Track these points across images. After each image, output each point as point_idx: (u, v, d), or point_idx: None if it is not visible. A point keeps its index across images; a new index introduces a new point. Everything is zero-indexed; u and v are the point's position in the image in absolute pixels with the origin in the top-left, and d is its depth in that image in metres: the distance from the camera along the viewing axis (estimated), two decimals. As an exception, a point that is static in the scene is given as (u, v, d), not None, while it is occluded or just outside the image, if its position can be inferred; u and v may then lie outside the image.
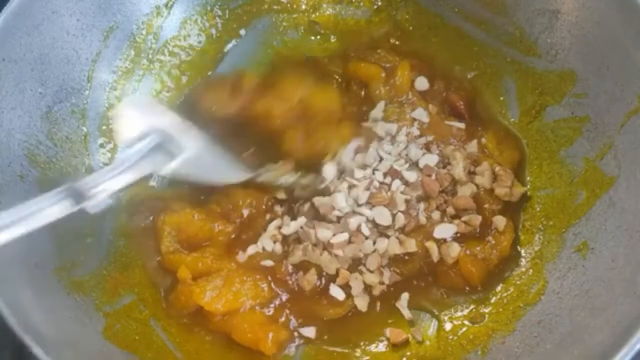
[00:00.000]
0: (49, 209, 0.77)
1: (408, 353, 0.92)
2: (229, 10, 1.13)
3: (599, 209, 0.91)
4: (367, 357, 0.93)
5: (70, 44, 0.96)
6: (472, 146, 1.04)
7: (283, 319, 0.93)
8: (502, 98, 1.07)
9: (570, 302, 0.87)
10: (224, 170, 0.99)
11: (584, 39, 0.96)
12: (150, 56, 1.09)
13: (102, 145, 1.03)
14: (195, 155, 0.94)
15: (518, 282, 0.96)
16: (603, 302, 0.82)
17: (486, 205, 0.99)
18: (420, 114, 1.05)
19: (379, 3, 1.15)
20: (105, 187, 0.83)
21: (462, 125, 1.05)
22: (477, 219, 0.97)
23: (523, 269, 0.97)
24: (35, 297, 0.81)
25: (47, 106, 0.94)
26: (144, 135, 0.91)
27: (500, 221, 0.98)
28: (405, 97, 1.07)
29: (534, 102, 1.04)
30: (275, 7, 1.15)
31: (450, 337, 0.93)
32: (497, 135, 1.05)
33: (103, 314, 0.89)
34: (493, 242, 0.97)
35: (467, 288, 0.96)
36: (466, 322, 0.94)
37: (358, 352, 0.93)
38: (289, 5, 1.16)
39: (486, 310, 0.95)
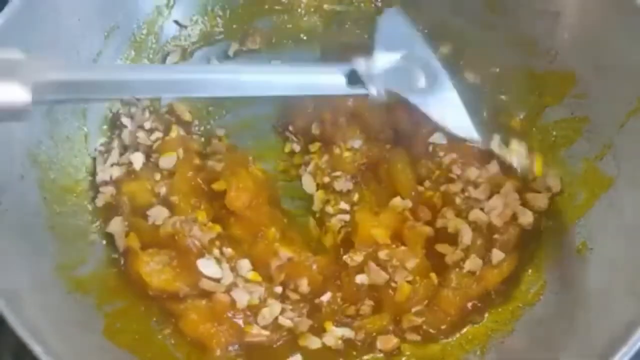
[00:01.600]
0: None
1: (407, 353, 0.92)
2: (230, 10, 1.14)
3: (598, 209, 0.91)
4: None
5: (71, 44, 0.96)
6: (493, 165, 0.96)
7: None
8: (502, 98, 1.07)
9: (569, 302, 0.87)
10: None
11: (584, 40, 0.96)
12: (150, 56, 1.09)
13: (102, 145, 1.02)
14: None
15: (517, 282, 0.96)
16: (602, 302, 0.83)
17: (496, 236, 0.93)
18: (438, 137, 0.98)
19: (379, 4, 1.15)
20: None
21: (479, 142, 0.93)
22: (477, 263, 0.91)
23: (523, 269, 0.97)
24: (36, 296, 0.81)
25: (48, 105, 0.94)
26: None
27: (497, 256, 0.91)
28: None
29: (534, 103, 1.04)
30: (276, 7, 1.16)
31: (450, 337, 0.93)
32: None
33: (103, 313, 0.88)
34: (478, 274, 0.91)
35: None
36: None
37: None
38: (289, 5, 1.16)
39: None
